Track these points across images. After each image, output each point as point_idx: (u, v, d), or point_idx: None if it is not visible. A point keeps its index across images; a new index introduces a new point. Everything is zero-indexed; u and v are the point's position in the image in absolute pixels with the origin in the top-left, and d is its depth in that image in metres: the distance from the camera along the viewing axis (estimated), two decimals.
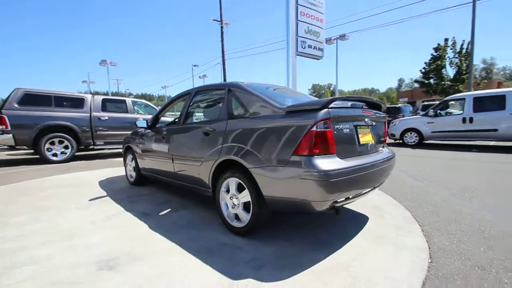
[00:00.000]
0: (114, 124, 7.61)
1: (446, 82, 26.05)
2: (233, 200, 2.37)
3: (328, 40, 20.80)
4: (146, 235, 2.39)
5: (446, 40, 26.51)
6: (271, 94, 2.44)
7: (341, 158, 1.97)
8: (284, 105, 2.17)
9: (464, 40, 25.26)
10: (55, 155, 6.71)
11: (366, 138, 2.32)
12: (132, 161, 4.25)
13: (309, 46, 18.06)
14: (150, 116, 8.31)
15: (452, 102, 8.84)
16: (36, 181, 4.66)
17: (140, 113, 8.31)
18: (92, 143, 7.29)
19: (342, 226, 2.55)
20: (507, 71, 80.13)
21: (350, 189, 1.95)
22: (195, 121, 3.15)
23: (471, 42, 14.42)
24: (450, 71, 26.32)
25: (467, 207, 3.02)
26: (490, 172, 4.88)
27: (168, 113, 7.28)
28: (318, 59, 19.48)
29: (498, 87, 34.27)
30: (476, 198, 3.35)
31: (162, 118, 3.98)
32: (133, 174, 4.22)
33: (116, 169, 5.82)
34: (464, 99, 8.17)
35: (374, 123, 2.45)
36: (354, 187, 1.99)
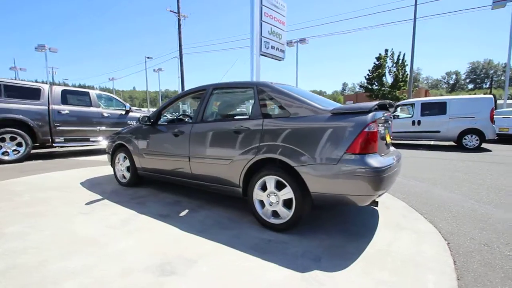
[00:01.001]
0: (76, 119, 6.80)
1: (386, 88, 29.37)
2: (271, 198, 2.43)
3: (289, 43, 21.65)
4: (183, 237, 2.30)
5: (386, 51, 29.86)
6: (306, 95, 2.56)
7: (381, 156, 2.20)
8: (325, 107, 2.31)
9: (400, 52, 28.88)
10: (5, 153, 5.72)
11: (388, 137, 2.62)
12: (124, 160, 3.92)
13: (272, 47, 18.56)
14: (116, 112, 7.67)
15: (403, 106, 10.12)
16: None
17: (104, 108, 7.57)
18: (50, 140, 6.40)
19: (363, 218, 2.81)
20: (429, 80, 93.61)
21: (389, 183, 2.20)
22: (218, 119, 3.06)
23: (411, 55, 16.58)
24: (389, 79, 29.76)
25: (445, 196, 3.59)
26: (443, 165, 5.80)
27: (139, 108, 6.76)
28: (280, 60, 20.13)
29: (425, 94, 39.98)
30: (446, 187, 3.99)
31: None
32: (126, 174, 3.90)
33: (91, 169, 5.26)
34: (413, 104, 9.43)
35: (390, 123, 2.77)
36: (391, 181, 2.25)
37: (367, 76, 30.74)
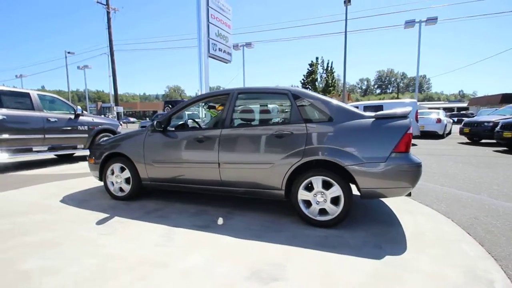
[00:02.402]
0: (15, 125, 5.58)
1: (319, 92, 32.52)
2: (317, 197, 2.60)
3: (235, 46, 21.88)
4: (246, 244, 2.27)
5: (317, 58, 33.09)
6: (340, 102, 2.82)
7: None
8: (362, 113, 2.61)
9: (329, 60, 32.48)
10: None
11: None
12: (122, 171, 3.48)
13: (220, 50, 18.58)
14: (65, 116, 6.56)
15: None
16: None
17: (48, 111, 6.40)
18: None
19: (378, 207, 3.22)
20: (347, 86, 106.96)
21: None
22: (251, 124, 3.02)
23: (344, 65, 18.85)
24: (321, 84, 33.04)
25: (426, 182, 4.37)
26: None
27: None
28: (227, 63, 20.27)
29: (348, 98, 45.71)
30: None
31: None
32: (125, 186, 3.48)
33: (56, 184, 4.44)
34: (357, 107, 10.83)
35: None
36: None
37: (302, 81, 33.45)
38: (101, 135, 7.40)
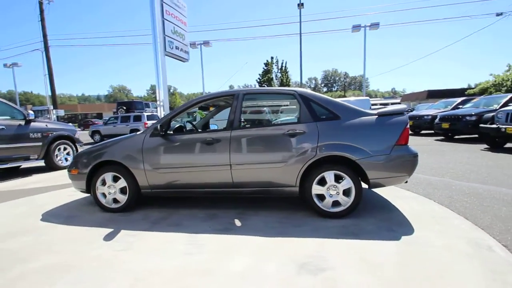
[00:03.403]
0: None
1: None
2: (330, 191, 2.79)
3: (193, 45, 21.24)
4: (276, 242, 2.33)
5: (272, 58, 34.04)
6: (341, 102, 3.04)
7: None
8: (365, 110, 2.88)
9: (283, 60, 33.73)
10: None
11: None
12: (116, 180, 3.20)
13: (177, 48, 17.86)
14: (13, 122, 5.68)
15: None
16: None
17: None
18: None
19: (372, 195, 3.56)
20: (298, 84, 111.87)
21: None
22: (261, 124, 3.03)
23: (300, 64, 19.78)
24: (276, 83, 34.08)
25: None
26: None
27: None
28: (184, 61, 19.60)
29: None
30: None
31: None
32: (121, 197, 3.20)
33: (23, 201, 3.85)
34: None
35: None
36: None
37: (258, 80, 34.05)
38: (57, 142, 6.59)
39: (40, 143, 6.21)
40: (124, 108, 18.03)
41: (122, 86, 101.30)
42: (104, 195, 3.26)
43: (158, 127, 3.02)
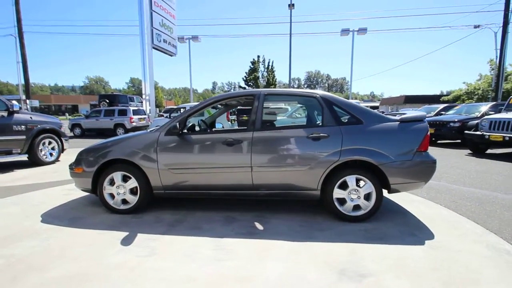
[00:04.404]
0: None
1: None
2: (352, 195, 2.80)
3: (181, 39, 20.64)
4: (307, 247, 2.30)
5: (258, 56, 34.00)
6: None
7: None
8: (386, 116, 2.92)
9: (270, 59, 33.78)
10: None
11: None
12: (126, 180, 3.02)
13: (164, 41, 17.50)
14: None
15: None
16: None
17: None
18: None
19: (386, 200, 3.63)
20: (281, 84, 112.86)
21: None
22: (283, 126, 2.96)
23: (289, 64, 19.90)
24: (263, 82, 34.11)
25: None
26: None
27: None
28: (172, 56, 19.23)
29: None
30: None
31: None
32: (131, 198, 3.03)
33: (13, 200, 3.54)
34: None
35: None
36: None
37: (244, 78, 33.88)
38: (42, 136, 6.15)
39: (24, 137, 5.77)
40: (107, 101, 17.20)
41: (99, 77, 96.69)
42: (112, 195, 3.07)
43: (177, 125, 2.88)
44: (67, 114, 43.82)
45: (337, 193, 2.81)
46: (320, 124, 2.92)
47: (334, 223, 2.80)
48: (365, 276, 1.87)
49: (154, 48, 16.66)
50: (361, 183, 2.82)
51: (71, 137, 12.74)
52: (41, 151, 6.15)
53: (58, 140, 6.56)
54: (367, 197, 2.80)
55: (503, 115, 7.36)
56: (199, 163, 2.95)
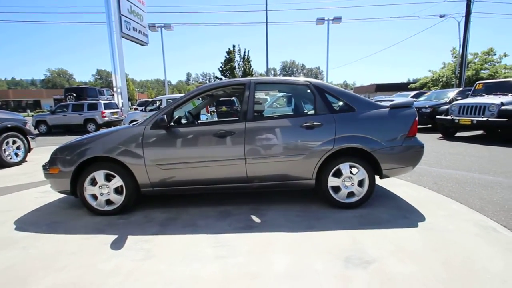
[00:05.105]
0: None
1: None
2: (346, 182, 2.83)
3: (152, 27, 19.58)
4: (307, 237, 2.29)
5: (234, 46, 33.34)
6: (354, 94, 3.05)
7: None
8: (377, 103, 2.94)
9: (245, 48, 33.28)
10: None
11: None
12: (109, 179, 2.81)
13: (134, 29, 16.58)
14: None
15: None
16: None
17: None
18: None
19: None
20: (257, 74, 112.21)
21: None
22: (276, 115, 2.87)
23: (266, 53, 19.71)
24: (239, 72, 33.63)
25: None
26: None
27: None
28: (143, 45, 18.33)
29: None
30: None
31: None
32: (116, 198, 2.83)
33: None
34: None
35: None
36: None
37: (220, 68, 33.18)
38: (4, 135, 5.59)
39: None
40: (74, 95, 16.00)
41: (62, 70, 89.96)
42: (94, 196, 2.84)
43: (164, 118, 2.69)
44: (28, 110, 40.45)
45: (332, 181, 2.82)
46: (313, 112, 2.89)
47: (329, 211, 2.81)
48: (369, 262, 1.89)
49: (123, 37, 15.71)
50: (354, 170, 2.84)
51: (36, 135, 11.79)
52: (4, 152, 5.59)
53: (24, 139, 6.00)
54: (360, 183, 2.84)
55: (471, 100, 7.85)
56: (189, 157, 2.80)
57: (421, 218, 2.62)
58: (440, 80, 27.70)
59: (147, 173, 2.79)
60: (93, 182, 2.82)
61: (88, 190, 2.82)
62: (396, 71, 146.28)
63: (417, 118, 2.88)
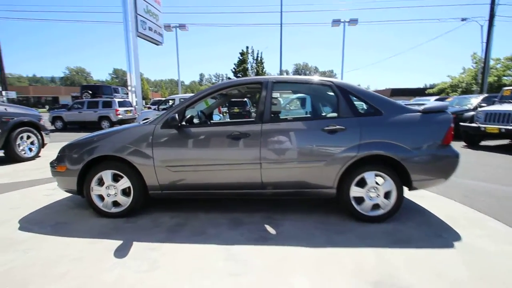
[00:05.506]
0: None
1: None
2: (370, 193, 2.57)
3: (167, 27, 19.75)
4: (329, 254, 2.06)
5: (247, 47, 33.31)
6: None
7: None
8: (408, 106, 2.68)
9: (258, 50, 33.22)
10: None
11: None
12: (117, 180, 2.67)
13: (150, 29, 16.71)
14: None
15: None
16: None
17: None
18: None
19: None
20: (270, 76, 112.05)
21: None
22: (295, 117, 2.67)
23: (280, 55, 19.50)
24: (252, 73, 33.54)
25: None
26: None
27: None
28: (158, 45, 18.45)
29: None
30: None
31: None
32: (124, 199, 2.68)
33: None
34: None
35: None
36: None
37: (233, 70, 33.20)
38: (19, 129, 5.61)
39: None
40: (90, 92, 16.28)
41: (80, 68, 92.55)
42: (101, 197, 2.71)
43: (175, 116, 2.53)
44: (47, 106, 41.75)
45: (355, 191, 2.57)
46: (335, 115, 2.65)
47: (351, 224, 2.56)
48: None
49: (139, 36, 15.82)
50: (380, 180, 2.59)
51: (52, 131, 12.02)
52: (19, 146, 5.61)
53: (38, 134, 6.02)
54: (387, 195, 2.58)
55: (498, 107, 7.37)
56: (201, 159, 2.62)
57: (457, 237, 2.33)
58: (460, 86, 26.68)
59: (156, 174, 2.62)
60: (100, 182, 2.69)
61: (95, 190, 2.69)
62: (411, 76, 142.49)
63: (452, 125, 2.60)
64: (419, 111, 2.61)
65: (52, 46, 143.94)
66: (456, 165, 2.61)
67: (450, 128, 2.56)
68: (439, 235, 2.37)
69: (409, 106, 2.70)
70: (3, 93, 18.37)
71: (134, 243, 2.20)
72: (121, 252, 2.05)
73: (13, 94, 19.29)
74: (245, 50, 33.01)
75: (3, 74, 19.57)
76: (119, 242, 2.20)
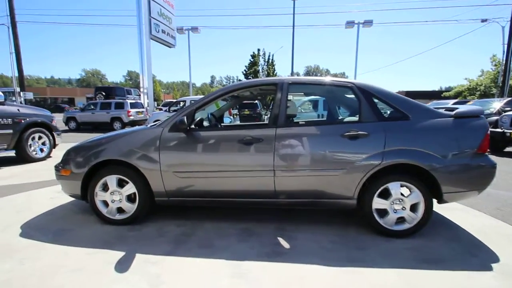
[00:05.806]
0: None
1: None
2: (395, 206, 2.33)
3: (180, 30, 19.90)
4: (348, 274, 1.84)
5: (259, 50, 33.26)
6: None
7: None
8: (438, 110, 2.43)
9: (270, 52, 33.08)
10: None
11: None
12: (122, 185, 2.53)
13: (163, 31, 16.82)
14: None
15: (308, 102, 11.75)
16: None
17: None
18: None
19: None
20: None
21: None
22: (312, 121, 2.48)
23: (292, 57, 19.30)
24: (263, 75, 33.44)
25: None
26: None
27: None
28: (171, 47, 18.57)
29: None
30: None
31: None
32: (128, 206, 2.55)
33: None
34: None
35: None
36: None
37: (244, 72, 33.18)
38: (31, 130, 5.62)
39: (11, 131, 5.24)
40: (103, 93, 16.52)
41: (96, 70, 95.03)
42: (105, 203, 2.58)
43: (184, 119, 2.37)
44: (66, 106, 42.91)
45: (377, 202, 2.34)
46: (356, 119, 2.43)
47: (373, 239, 2.33)
48: None
49: (152, 39, 15.96)
50: (406, 191, 2.35)
51: (65, 131, 12.22)
52: (30, 147, 5.63)
53: (49, 135, 6.04)
54: (414, 208, 2.33)
55: None
56: (210, 165, 2.46)
57: (493, 257, 2.07)
58: (478, 89, 25.69)
59: (162, 180, 2.47)
60: (105, 188, 2.57)
61: (99, 195, 2.56)
62: (424, 79, 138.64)
63: (489, 132, 2.33)
64: (451, 116, 2.36)
65: (70, 48, 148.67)
66: (492, 177, 2.33)
67: (486, 135, 2.29)
68: (472, 253, 2.11)
69: (438, 110, 2.44)
70: (21, 93, 18.95)
71: (137, 255, 2.04)
72: (122, 266, 1.90)
73: (30, 95, 19.86)
74: (256, 52, 32.98)
75: (22, 75, 20.19)
76: (121, 254, 2.05)
